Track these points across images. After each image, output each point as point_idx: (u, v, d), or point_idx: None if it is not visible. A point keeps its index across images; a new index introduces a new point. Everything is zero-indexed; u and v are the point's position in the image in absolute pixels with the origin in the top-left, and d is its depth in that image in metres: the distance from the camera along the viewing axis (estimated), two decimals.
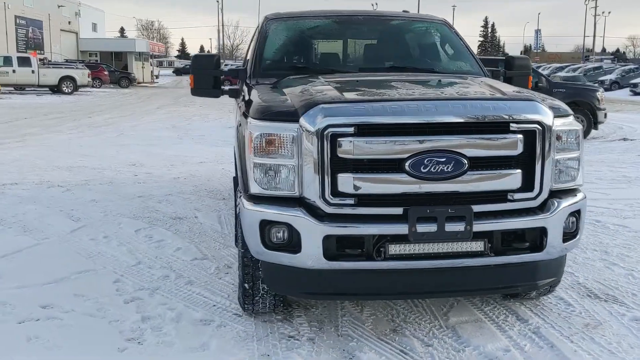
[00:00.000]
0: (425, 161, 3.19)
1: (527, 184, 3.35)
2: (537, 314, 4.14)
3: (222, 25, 74.16)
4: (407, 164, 3.20)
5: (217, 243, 5.78)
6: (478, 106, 3.31)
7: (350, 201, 3.28)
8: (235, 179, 4.25)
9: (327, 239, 3.27)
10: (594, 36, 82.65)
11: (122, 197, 7.85)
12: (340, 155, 3.23)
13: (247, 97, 4.09)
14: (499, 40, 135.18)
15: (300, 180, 3.33)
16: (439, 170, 3.21)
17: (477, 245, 3.33)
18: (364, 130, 3.23)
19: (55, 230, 6.21)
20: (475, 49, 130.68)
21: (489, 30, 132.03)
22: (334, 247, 3.31)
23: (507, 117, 3.28)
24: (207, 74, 4.74)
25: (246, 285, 3.78)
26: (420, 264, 3.32)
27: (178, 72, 71.17)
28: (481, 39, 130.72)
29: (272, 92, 3.92)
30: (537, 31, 68.31)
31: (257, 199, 3.46)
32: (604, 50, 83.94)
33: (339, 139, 3.22)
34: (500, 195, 3.34)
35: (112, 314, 4.10)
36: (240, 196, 3.68)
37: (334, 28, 5.13)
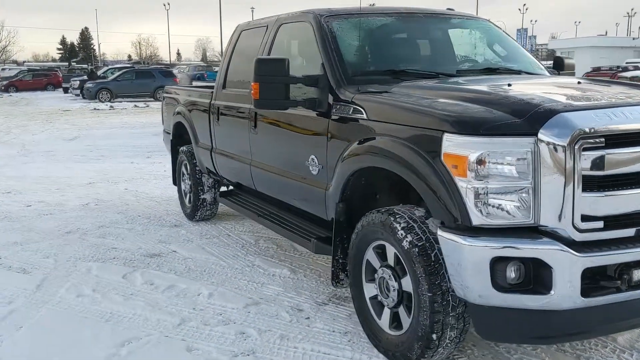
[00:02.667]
0: None
1: None
2: None
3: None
4: None
5: (250, 282, 4.84)
6: None
7: (599, 225, 2.82)
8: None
9: (584, 272, 2.77)
10: None
11: (46, 234, 6.35)
12: (589, 171, 2.76)
13: (383, 109, 3.41)
14: None
15: (538, 205, 2.79)
16: None
17: None
18: (613, 141, 2.80)
19: (14, 290, 4.74)
20: None
21: None
22: (586, 281, 2.83)
23: None
24: (276, 82, 3.88)
25: (434, 335, 3.11)
26: None
27: None
28: None
29: (434, 100, 3.27)
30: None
31: (478, 232, 2.84)
32: None
33: (587, 153, 2.75)
34: None
35: None
36: (437, 229, 3.01)
37: (401, 27, 4.54)
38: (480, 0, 69.89)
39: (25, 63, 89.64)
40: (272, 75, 3.88)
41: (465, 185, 2.82)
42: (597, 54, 57.71)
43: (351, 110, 3.65)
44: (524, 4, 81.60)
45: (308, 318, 4.12)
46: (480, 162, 2.78)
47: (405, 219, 3.20)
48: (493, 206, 2.80)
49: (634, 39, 63.34)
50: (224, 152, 5.61)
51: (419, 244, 3.08)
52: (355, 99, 3.66)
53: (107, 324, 4.10)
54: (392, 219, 3.24)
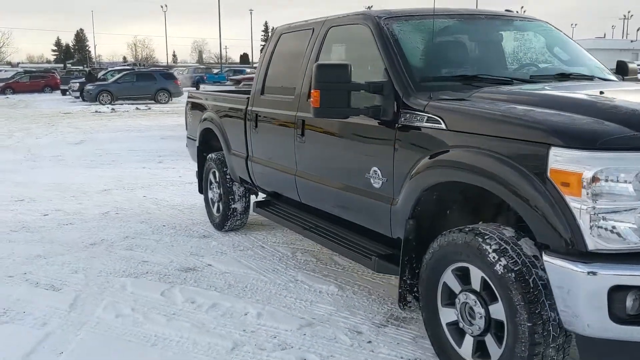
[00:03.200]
0: None
1: None
2: None
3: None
4: None
5: (297, 299, 4.56)
6: None
7: None
8: None
9: None
10: None
11: (70, 246, 6.06)
12: None
13: (463, 119, 3.14)
14: None
15: None
16: None
17: None
18: None
19: (46, 310, 4.45)
20: (257, 54, 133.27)
21: (270, 34, 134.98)
22: None
23: None
24: (338, 89, 3.61)
25: None
26: None
27: None
28: (263, 43, 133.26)
29: (528, 110, 3.00)
30: None
31: (592, 258, 2.57)
32: None
33: None
34: None
35: None
36: (535, 252, 2.74)
37: (465, 29, 4.27)
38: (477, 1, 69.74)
39: (19, 65, 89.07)
40: (334, 82, 3.60)
41: (579, 205, 2.54)
42: (596, 57, 57.57)
43: (425, 120, 3.37)
44: (522, 6, 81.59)
45: (370, 342, 3.84)
46: (596, 179, 2.51)
47: (495, 240, 2.92)
48: (610, 229, 2.53)
49: (632, 41, 63.44)
50: (262, 161, 5.33)
51: (516, 269, 2.80)
52: (429, 107, 3.38)
53: (154, 348, 3.81)
54: (479, 239, 2.96)
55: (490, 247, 2.90)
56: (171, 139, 15.70)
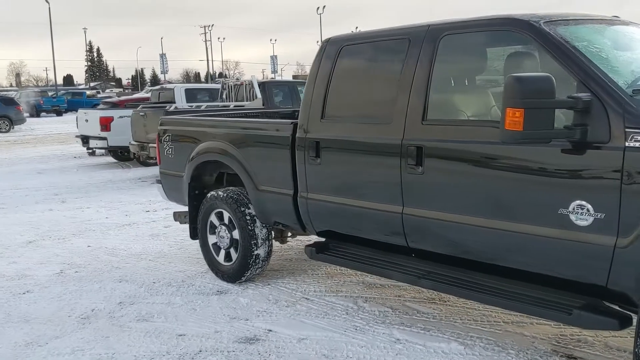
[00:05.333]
0: None
1: None
2: None
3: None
4: None
5: None
6: None
7: None
8: None
9: None
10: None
11: (57, 324, 4.68)
12: None
13: None
14: (106, 65, 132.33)
15: None
16: None
17: None
18: None
19: None
20: (82, 75, 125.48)
21: (95, 54, 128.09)
22: None
23: None
24: (544, 107, 2.93)
25: None
26: None
27: None
28: (87, 63, 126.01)
29: None
30: (162, 55, 68.64)
31: None
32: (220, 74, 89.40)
33: None
34: None
35: None
36: None
37: (616, 35, 3.76)
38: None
39: None
40: (541, 99, 2.90)
41: None
42: None
43: None
44: (357, 27, 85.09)
45: None
46: None
47: None
48: None
49: None
50: (331, 199, 4.42)
51: None
52: None
53: None
54: None
55: None
56: (50, 173, 13.79)
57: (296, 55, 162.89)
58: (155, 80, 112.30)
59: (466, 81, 4.14)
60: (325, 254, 4.63)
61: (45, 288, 5.56)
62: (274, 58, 76.67)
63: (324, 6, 70.52)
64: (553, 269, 3.29)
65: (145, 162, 14.19)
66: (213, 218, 5.53)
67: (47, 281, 5.76)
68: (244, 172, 5.11)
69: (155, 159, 13.10)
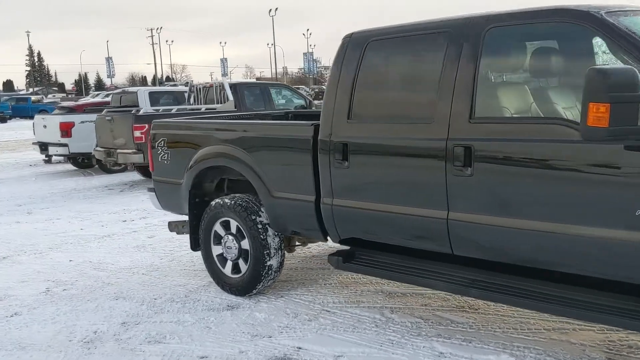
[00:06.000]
0: None
1: None
2: None
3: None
4: None
5: None
6: None
7: None
8: None
9: None
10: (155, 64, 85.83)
11: (61, 350, 4.25)
12: None
13: None
14: (48, 69, 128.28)
15: None
16: None
17: None
18: None
19: None
20: (23, 80, 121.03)
21: (36, 59, 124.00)
22: None
23: None
24: (632, 102, 2.74)
25: None
26: None
27: None
28: (28, 68, 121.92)
29: None
30: (108, 59, 66.70)
31: None
32: (167, 78, 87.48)
33: None
34: None
35: None
36: None
37: None
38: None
39: None
40: (625, 93, 2.70)
41: None
42: None
43: None
44: (307, 29, 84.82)
45: None
46: None
47: None
48: None
49: None
50: (360, 204, 4.13)
51: None
52: None
53: None
54: None
55: None
56: (8, 183, 13.10)
57: (245, 58, 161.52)
58: (100, 85, 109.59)
59: (517, 76, 3.92)
60: (353, 263, 4.33)
61: (34, 309, 5.08)
62: (224, 61, 75.80)
63: (277, 8, 70.13)
64: (628, 275, 3.09)
65: (110, 170, 13.59)
66: (218, 227, 5.16)
67: (34, 301, 5.27)
68: (256, 178, 4.77)
69: (123, 165, 12.62)
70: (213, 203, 5.18)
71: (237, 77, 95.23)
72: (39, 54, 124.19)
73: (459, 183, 3.59)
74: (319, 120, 4.30)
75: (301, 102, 14.05)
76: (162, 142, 5.60)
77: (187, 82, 19.50)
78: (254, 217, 4.86)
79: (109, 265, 6.34)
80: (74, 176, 13.74)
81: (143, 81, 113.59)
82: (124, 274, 5.97)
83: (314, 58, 74.26)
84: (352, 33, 4.35)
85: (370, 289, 5.11)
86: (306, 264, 5.93)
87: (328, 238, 4.58)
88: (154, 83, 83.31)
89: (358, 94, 4.15)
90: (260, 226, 4.84)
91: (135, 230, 7.92)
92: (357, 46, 4.22)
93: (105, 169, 13.62)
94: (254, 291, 5.01)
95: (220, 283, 5.24)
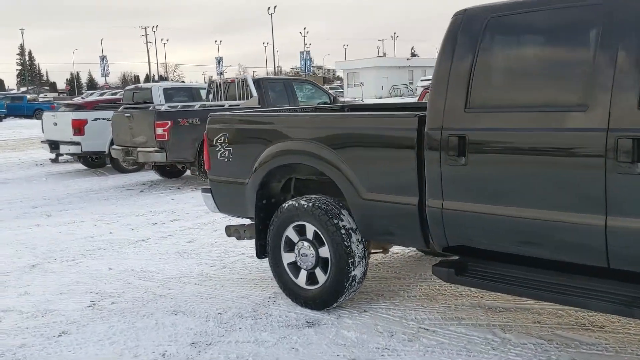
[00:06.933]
0: None
1: None
2: None
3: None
4: None
5: None
6: None
7: None
8: None
9: None
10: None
11: None
12: None
13: None
14: (39, 68, 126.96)
15: None
16: None
17: None
18: None
19: None
20: (13, 79, 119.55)
21: (27, 58, 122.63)
22: None
23: None
24: None
25: None
26: None
27: None
28: (19, 67, 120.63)
29: None
30: (103, 57, 65.69)
31: None
32: (161, 77, 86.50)
33: None
34: None
35: None
36: None
37: None
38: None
39: None
40: None
41: None
42: (380, 74, 61.74)
43: None
44: (304, 27, 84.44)
45: None
46: None
47: None
48: None
49: (407, 59, 69.05)
50: (482, 209, 3.54)
51: None
52: None
53: None
54: None
55: None
56: (17, 183, 12.46)
57: (238, 57, 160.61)
58: (92, 84, 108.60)
59: None
60: (468, 276, 3.74)
61: (84, 327, 4.47)
62: (219, 60, 75.02)
63: (275, 6, 69.32)
64: None
65: (124, 169, 12.96)
66: (290, 232, 4.57)
67: (81, 317, 4.66)
68: (342, 178, 4.19)
69: (142, 165, 11.94)
70: (285, 205, 4.59)
71: (231, 76, 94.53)
72: (30, 53, 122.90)
73: (624, 184, 3.01)
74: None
75: (325, 98, 13.46)
76: (222, 138, 5.00)
77: (210, 78, 18.78)
78: (336, 222, 4.27)
79: (154, 274, 5.73)
80: (87, 176, 13.10)
81: (135, 80, 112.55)
82: (175, 284, 5.36)
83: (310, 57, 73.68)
84: (466, 9, 3.76)
85: (464, 303, 4.53)
86: (377, 273, 5.34)
87: (430, 245, 3.99)
88: (147, 82, 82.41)
89: (477, 79, 3.56)
90: (343, 231, 4.25)
91: (170, 234, 7.31)
92: (474, 25, 3.63)
93: (120, 169, 12.98)
94: (334, 305, 4.42)
95: (291, 295, 4.65)
